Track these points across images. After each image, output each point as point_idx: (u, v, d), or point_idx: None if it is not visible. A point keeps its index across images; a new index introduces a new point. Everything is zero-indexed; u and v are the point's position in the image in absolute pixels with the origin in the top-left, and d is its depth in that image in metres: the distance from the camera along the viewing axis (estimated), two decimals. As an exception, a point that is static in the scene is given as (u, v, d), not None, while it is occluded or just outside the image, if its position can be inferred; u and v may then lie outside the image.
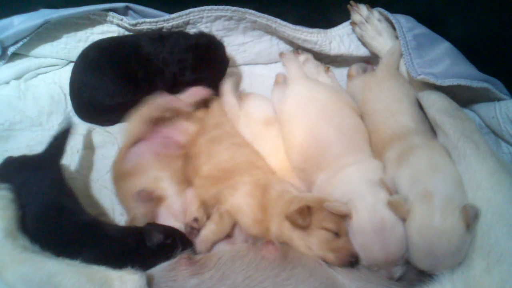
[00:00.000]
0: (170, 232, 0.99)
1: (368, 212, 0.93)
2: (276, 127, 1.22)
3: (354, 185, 1.00)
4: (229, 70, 1.47)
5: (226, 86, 1.31)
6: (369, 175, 1.02)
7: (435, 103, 1.13)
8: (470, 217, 0.88)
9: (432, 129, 1.14)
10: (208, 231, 1.02)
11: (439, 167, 0.98)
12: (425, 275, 0.92)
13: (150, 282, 0.84)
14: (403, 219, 0.93)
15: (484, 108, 1.22)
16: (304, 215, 0.94)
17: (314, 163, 1.09)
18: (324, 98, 1.19)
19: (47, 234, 0.94)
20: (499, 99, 1.18)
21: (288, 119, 1.18)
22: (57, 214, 0.96)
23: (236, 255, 0.91)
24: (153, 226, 0.99)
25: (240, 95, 1.36)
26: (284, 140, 1.18)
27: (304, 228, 0.95)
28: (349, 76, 1.38)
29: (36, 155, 1.08)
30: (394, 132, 1.10)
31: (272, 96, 1.34)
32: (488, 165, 0.95)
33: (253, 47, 1.45)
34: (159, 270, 0.89)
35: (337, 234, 0.95)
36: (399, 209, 0.93)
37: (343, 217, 0.95)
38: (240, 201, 1.02)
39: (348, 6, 1.38)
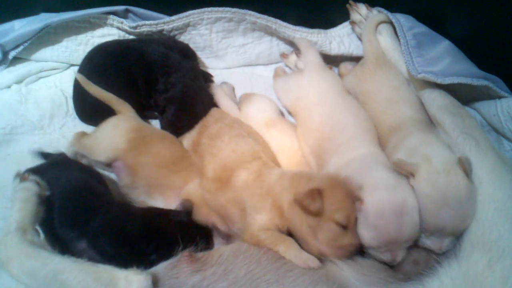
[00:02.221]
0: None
1: (389, 192, 0.91)
2: (278, 127, 1.22)
3: (369, 167, 0.99)
4: (229, 70, 1.49)
5: (218, 92, 1.32)
6: (381, 159, 1.03)
7: (435, 100, 1.13)
8: (467, 167, 0.92)
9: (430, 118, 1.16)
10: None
11: (432, 141, 1.02)
12: (422, 266, 0.92)
13: (155, 282, 0.84)
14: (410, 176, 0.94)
15: (485, 106, 1.22)
16: (314, 198, 0.88)
17: (328, 146, 1.10)
18: (342, 86, 1.24)
19: (78, 215, 0.96)
20: (500, 97, 1.18)
21: (307, 106, 1.19)
22: (88, 195, 0.99)
23: (238, 251, 0.91)
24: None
25: (241, 97, 1.37)
26: (300, 126, 1.20)
27: (316, 214, 0.89)
28: (341, 75, 1.40)
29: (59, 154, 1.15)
30: (394, 124, 1.12)
31: (276, 88, 1.35)
32: (489, 161, 0.95)
33: (253, 48, 1.45)
34: (161, 268, 0.89)
35: (345, 227, 0.90)
36: (404, 167, 0.94)
37: (354, 206, 0.91)
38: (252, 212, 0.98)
39: (347, 5, 1.38)
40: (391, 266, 0.95)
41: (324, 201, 0.89)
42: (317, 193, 0.89)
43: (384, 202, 0.90)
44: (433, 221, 0.91)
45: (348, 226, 0.90)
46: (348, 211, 0.90)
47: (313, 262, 0.89)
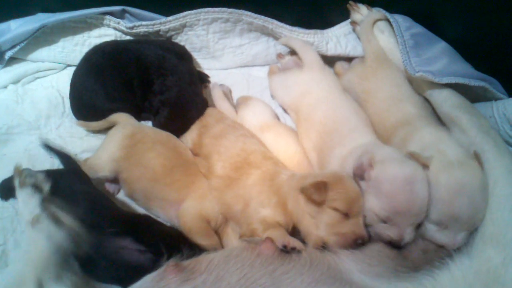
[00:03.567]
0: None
1: (399, 164, 0.94)
2: (272, 131, 1.22)
3: (375, 149, 1.01)
4: (226, 71, 1.49)
5: (216, 93, 1.33)
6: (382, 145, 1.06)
7: (448, 99, 1.12)
8: (480, 160, 0.94)
9: (433, 115, 1.16)
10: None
11: (444, 138, 1.02)
12: (431, 255, 0.92)
13: None
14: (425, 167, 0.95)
15: (481, 108, 1.21)
16: (319, 189, 0.93)
17: (330, 140, 1.12)
18: (340, 83, 1.27)
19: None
20: (496, 99, 1.18)
21: (310, 102, 1.21)
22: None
23: (230, 255, 0.89)
24: None
25: (238, 100, 1.37)
26: (302, 121, 1.21)
27: (318, 203, 0.93)
28: (337, 74, 1.40)
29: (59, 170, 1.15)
30: (398, 120, 1.13)
31: (273, 85, 1.36)
32: (506, 161, 0.95)
33: (250, 49, 1.45)
34: (148, 281, 0.85)
35: (346, 215, 0.93)
36: (419, 159, 0.95)
37: (358, 197, 0.95)
38: (255, 198, 1.01)
39: (348, 5, 1.38)
40: (399, 254, 0.94)
41: (328, 192, 0.93)
42: (322, 185, 0.93)
43: (396, 172, 0.93)
44: (448, 210, 0.91)
45: (349, 213, 0.93)
46: (349, 200, 0.94)
47: (297, 244, 0.91)
